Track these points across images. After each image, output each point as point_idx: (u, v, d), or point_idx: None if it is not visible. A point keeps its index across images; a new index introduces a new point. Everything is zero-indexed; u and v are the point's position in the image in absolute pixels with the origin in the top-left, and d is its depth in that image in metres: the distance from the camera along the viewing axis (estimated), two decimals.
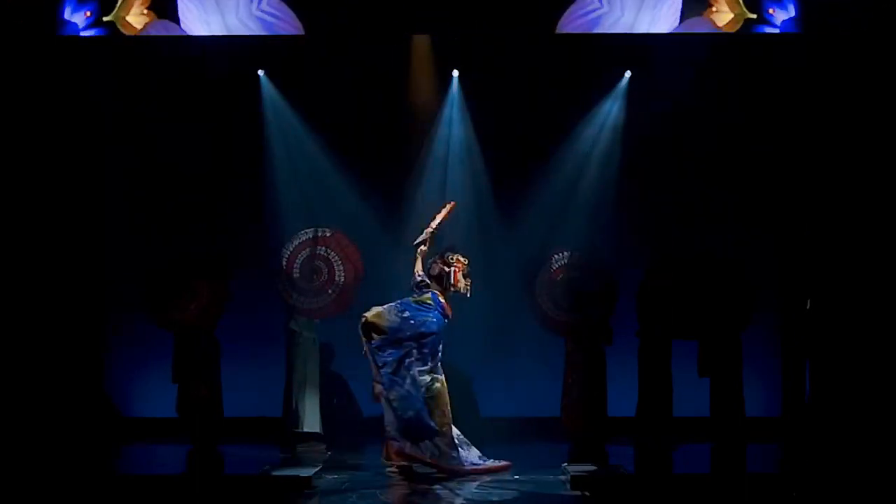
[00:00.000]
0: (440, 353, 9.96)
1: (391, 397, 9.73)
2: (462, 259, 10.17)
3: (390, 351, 9.81)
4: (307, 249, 11.33)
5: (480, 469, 9.74)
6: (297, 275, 11.29)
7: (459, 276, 10.08)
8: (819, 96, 11.50)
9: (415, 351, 9.82)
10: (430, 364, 9.85)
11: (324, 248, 11.32)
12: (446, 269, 10.08)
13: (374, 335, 9.81)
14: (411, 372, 9.76)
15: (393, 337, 9.81)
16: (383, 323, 9.82)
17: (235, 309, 11.53)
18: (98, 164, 11.82)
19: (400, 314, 9.87)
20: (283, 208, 11.79)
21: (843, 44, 11.18)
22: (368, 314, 9.88)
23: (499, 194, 12.10)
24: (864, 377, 11.08)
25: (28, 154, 11.41)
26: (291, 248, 11.31)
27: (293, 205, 11.79)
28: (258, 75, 11.97)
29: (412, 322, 9.86)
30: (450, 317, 10.07)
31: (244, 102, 11.91)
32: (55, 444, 10.75)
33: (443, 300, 10.04)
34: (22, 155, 11.39)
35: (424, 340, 9.84)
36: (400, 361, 9.78)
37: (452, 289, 10.10)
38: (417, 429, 9.71)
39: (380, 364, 9.78)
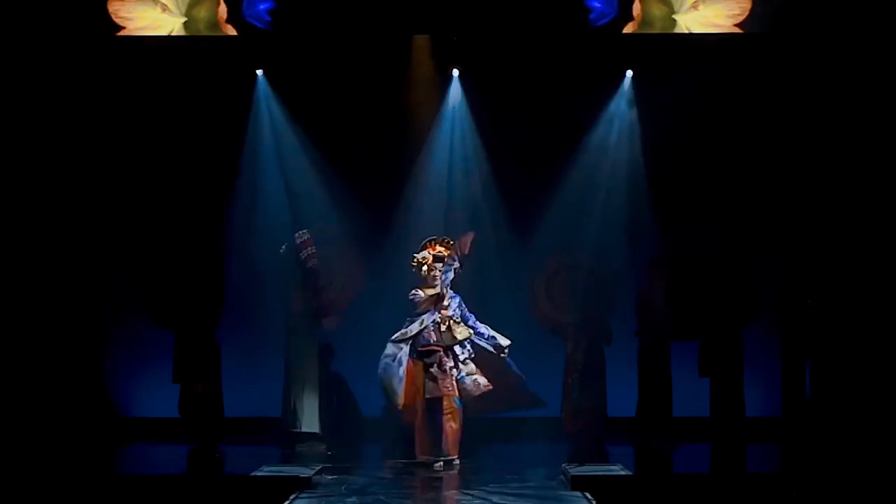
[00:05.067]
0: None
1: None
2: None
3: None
4: (308, 249, 11.34)
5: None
6: (299, 275, 11.30)
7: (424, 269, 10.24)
8: (821, 97, 11.49)
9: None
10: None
11: (325, 248, 11.34)
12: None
13: None
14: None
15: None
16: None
17: (235, 309, 11.56)
18: (98, 165, 11.80)
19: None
20: (282, 209, 11.76)
21: (850, 45, 11.18)
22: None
23: (498, 193, 12.08)
24: (863, 377, 11.09)
25: (28, 155, 11.42)
26: (293, 248, 11.32)
27: (292, 206, 11.77)
28: (256, 75, 11.95)
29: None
30: (436, 307, 10.15)
31: (243, 102, 11.89)
32: (55, 444, 10.75)
33: (423, 293, 10.16)
34: (22, 156, 11.39)
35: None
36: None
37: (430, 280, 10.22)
38: None
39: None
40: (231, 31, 11.38)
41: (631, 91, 11.94)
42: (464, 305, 10.28)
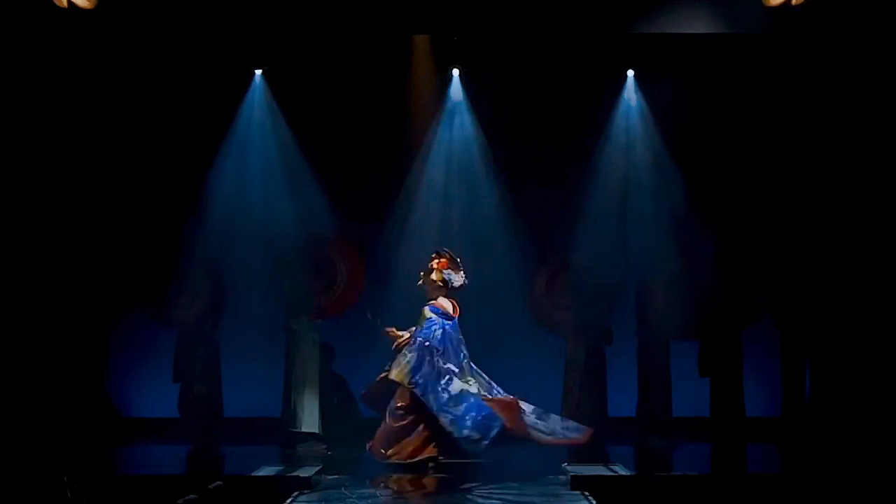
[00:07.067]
0: (464, 353, 9.98)
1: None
2: (438, 258, 10.12)
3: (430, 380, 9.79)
4: (311, 250, 11.34)
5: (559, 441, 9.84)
6: (301, 275, 11.31)
7: (434, 275, 10.06)
8: (821, 97, 11.48)
9: (440, 363, 9.82)
10: (457, 369, 9.87)
11: (327, 248, 11.35)
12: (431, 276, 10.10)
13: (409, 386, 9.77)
14: (449, 388, 9.78)
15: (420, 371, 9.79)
16: (404, 375, 9.79)
17: (235, 309, 11.56)
18: (98, 165, 11.79)
19: (413, 349, 9.85)
20: (282, 209, 11.75)
21: (850, 45, 11.16)
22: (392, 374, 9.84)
23: (497, 193, 12.08)
24: (863, 377, 11.09)
25: (26, 155, 11.40)
26: (296, 249, 11.33)
27: (292, 206, 11.76)
28: (255, 74, 11.93)
29: (421, 340, 9.85)
30: (455, 315, 10.03)
31: (242, 102, 11.88)
32: (55, 443, 10.75)
33: (441, 305, 10.02)
34: (21, 155, 11.38)
35: (439, 353, 9.86)
36: (437, 382, 9.78)
37: (446, 289, 10.07)
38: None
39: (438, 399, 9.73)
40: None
41: (632, 91, 11.93)
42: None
